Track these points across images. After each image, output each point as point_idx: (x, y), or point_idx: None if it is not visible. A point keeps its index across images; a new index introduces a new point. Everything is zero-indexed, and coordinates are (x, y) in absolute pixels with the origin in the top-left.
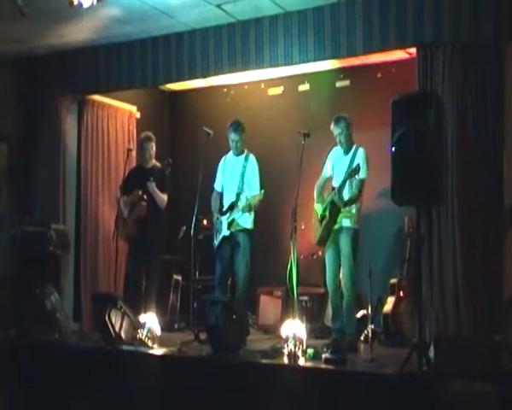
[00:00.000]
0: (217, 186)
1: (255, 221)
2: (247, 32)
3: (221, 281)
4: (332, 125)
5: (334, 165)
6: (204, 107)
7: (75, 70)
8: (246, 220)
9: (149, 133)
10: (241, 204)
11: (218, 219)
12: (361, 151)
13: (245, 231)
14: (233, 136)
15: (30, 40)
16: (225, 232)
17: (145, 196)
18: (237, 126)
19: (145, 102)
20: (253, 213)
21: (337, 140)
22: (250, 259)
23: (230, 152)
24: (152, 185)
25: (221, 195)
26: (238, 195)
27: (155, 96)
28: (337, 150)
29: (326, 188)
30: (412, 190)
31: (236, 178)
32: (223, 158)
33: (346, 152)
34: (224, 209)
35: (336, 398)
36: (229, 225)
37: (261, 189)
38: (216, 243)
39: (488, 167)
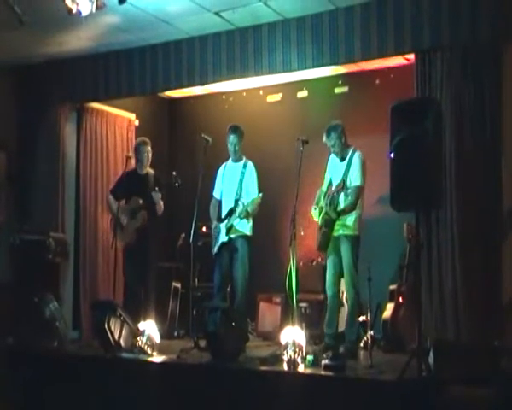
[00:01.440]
0: (216, 194)
1: (254, 227)
2: (245, 40)
3: (220, 288)
4: (324, 138)
5: (332, 172)
6: (203, 114)
7: (74, 78)
8: (244, 226)
9: (145, 138)
10: (238, 209)
11: (216, 226)
12: (356, 157)
13: (244, 237)
14: (232, 138)
15: (29, 48)
16: (224, 238)
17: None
18: (236, 129)
19: (144, 109)
20: (251, 219)
21: (331, 151)
22: (249, 265)
23: (230, 159)
24: (158, 195)
25: (220, 202)
26: (236, 201)
27: (154, 103)
28: (334, 157)
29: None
30: (411, 196)
31: (235, 185)
32: (222, 166)
33: (343, 159)
34: (223, 216)
35: (336, 404)
36: (228, 230)
37: (259, 193)
38: (215, 249)
39: (486, 172)
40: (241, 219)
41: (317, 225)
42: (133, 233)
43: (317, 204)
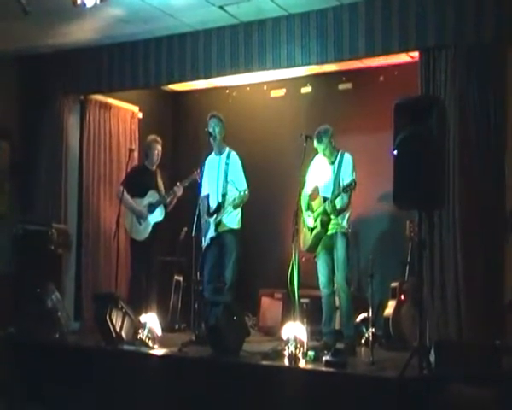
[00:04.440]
0: (203, 190)
1: (256, 223)
2: (249, 34)
3: (210, 281)
4: (315, 143)
5: (319, 175)
6: (206, 108)
7: (78, 70)
8: (232, 221)
9: (157, 136)
10: (226, 204)
11: (206, 221)
12: (347, 158)
13: (232, 231)
14: (212, 121)
15: (33, 39)
16: (212, 233)
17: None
18: (216, 114)
19: (147, 102)
20: (239, 212)
21: (322, 154)
22: (237, 259)
23: (212, 153)
24: (180, 189)
25: (207, 196)
26: (224, 196)
27: (158, 96)
28: (321, 159)
29: (311, 197)
30: (414, 194)
31: (220, 178)
32: (205, 161)
33: (332, 162)
34: (211, 211)
35: (336, 401)
36: (217, 226)
37: (247, 185)
38: (204, 244)
39: (490, 171)
40: (233, 210)
41: (307, 227)
42: (150, 228)
43: (311, 210)
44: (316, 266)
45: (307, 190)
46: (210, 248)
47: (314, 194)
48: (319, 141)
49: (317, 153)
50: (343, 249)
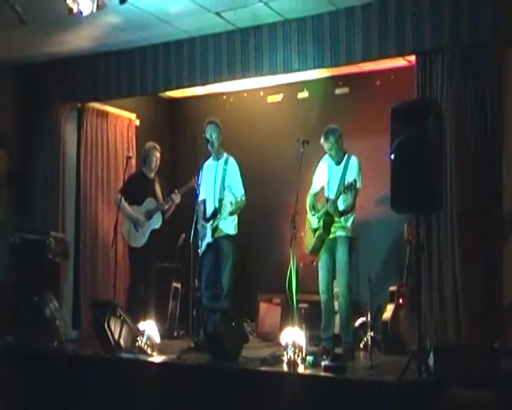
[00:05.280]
0: (200, 195)
1: (254, 228)
2: (246, 40)
3: (207, 287)
4: (322, 140)
5: (326, 175)
6: (203, 114)
7: (74, 78)
8: (229, 226)
9: (155, 143)
10: (223, 210)
11: (202, 226)
12: (354, 161)
13: (228, 237)
14: (210, 127)
15: (29, 48)
16: (209, 239)
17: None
18: (213, 121)
19: (144, 109)
20: (236, 218)
21: (328, 154)
22: (234, 265)
23: (210, 158)
24: (178, 197)
25: (204, 201)
26: (221, 201)
27: (155, 103)
28: (328, 159)
29: (317, 198)
30: (411, 198)
31: (217, 184)
32: (203, 166)
33: (338, 163)
34: (208, 216)
35: (336, 406)
36: (213, 231)
37: (244, 191)
38: (201, 249)
39: (487, 174)
40: (226, 219)
41: (307, 229)
42: (148, 235)
43: (314, 209)
44: (314, 271)
45: (312, 189)
46: (206, 254)
47: (321, 194)
48: (326, 139)
49: (323, 154)
50: (345, 254)
